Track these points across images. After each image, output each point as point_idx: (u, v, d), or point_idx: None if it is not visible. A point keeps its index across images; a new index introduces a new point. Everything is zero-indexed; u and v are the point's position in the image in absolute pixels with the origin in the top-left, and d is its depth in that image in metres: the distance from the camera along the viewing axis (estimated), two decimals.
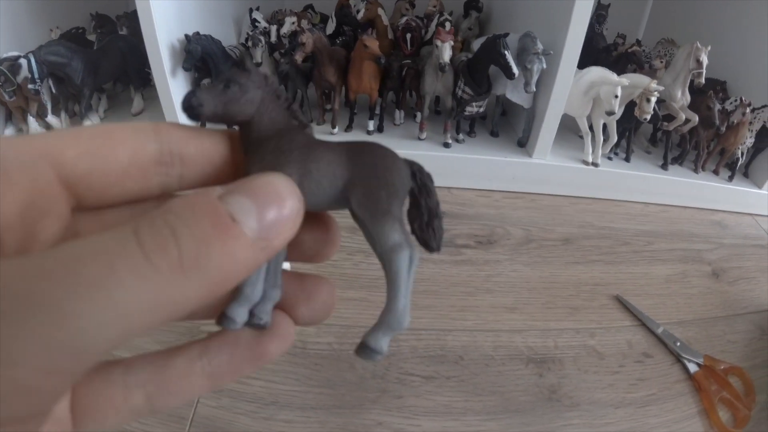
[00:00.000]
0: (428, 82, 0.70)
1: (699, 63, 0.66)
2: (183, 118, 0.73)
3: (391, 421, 0.44)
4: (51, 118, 0.72)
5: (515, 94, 0.68)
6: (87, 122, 0.73)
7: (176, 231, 0.11)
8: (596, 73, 0.67)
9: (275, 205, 0.13)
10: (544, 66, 0.63)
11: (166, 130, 0.16)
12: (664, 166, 0.71)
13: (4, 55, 0.67)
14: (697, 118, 0.67)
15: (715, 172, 0.72)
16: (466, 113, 0.69)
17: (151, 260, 0.11)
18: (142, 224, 0.11)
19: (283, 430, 0.42)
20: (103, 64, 0.74)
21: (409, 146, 0.71)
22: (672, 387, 0.49)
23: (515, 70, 0.63)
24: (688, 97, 0.67)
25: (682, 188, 0.69)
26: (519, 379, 0.48)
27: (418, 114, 0.76)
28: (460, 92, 0.68)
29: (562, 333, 0.53)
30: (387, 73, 0.72)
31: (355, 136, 0.74)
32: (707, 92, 0.67)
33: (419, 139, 0.73)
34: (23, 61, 0.66)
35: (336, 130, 0.74)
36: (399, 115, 0.78)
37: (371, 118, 0.74)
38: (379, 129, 0.75)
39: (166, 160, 0.16)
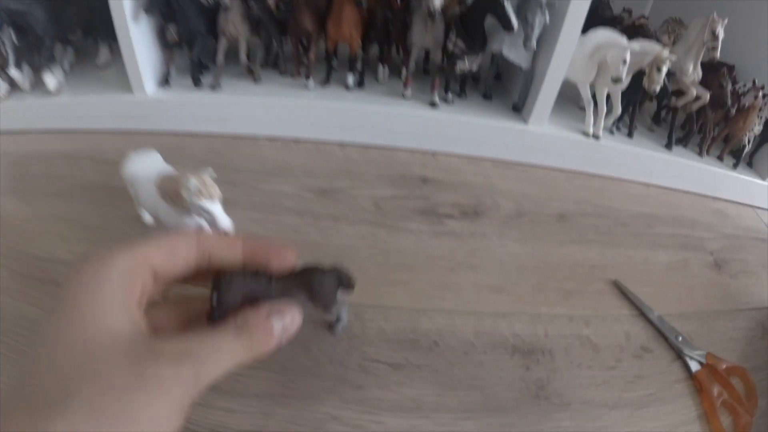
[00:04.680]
0: (416, 33, 0.60)
1: (714, 36, 0.59)
2: (145, 72, 0.62)
3: (348, 416, 0.36)
4: (13, 72, 0.62)
5: (513, 51, 0.60)
6: (48, 76, 0.63)
7: (252, 335, 0.27)
8: (603, 35, 0.59)
9: (290, 320, 0.30)
10: (547, 20, 0.55)
11: (204, 240, 0.30)
12: (668, 146, 0.64)
13: None
14: (708, 96, 0.61)
15: (719, 158, 0.66)
16: (458, 70, 0.60)
17: (243, 347, 0.26)
18: (242, 330, 0.27)
19: (221, 420, 0.34)
20: (66, 13, 0.64)
21: (392, 103, 0.62)
22: (672, 387, 0.43)
23: (514, 22, 0.54)
24: (700, 73, 0.61)
25: (685, 171, 0.63)
26: (502, 371, 0.40)
27: (404, 71, 0.67)
28: (451, 46, 0.59)
29: (553, 320, 0.45)
30: (371, 24, 0.63)
31: (333, 91, 0.65)
32: (720, 69, 0.61)
33: (403, 96, 0.64)
34: None
35: (310, 82, 0.64)
36: (383, 71, 0.68)
37: (350, 71, 0.64)
38: (359, 84, 0.66)
39: (203, 260, 0.30)
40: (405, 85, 0.63)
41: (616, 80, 0.58)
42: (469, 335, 0.42)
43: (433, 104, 0.62)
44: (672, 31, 0.72)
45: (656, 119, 0.71)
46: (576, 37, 0.56)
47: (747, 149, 0.65)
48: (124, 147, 0.46)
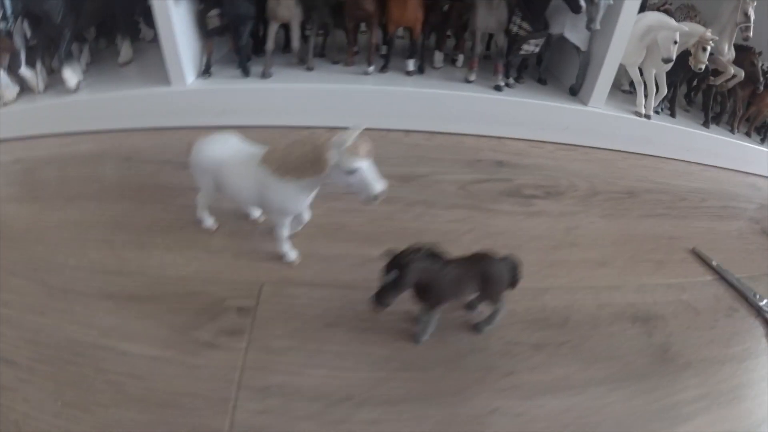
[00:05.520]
0: (480, 16, 0.60)
1: (746, 16, 0.64)
2: (185, 61, 0.57)
3: (507, 405, 0.35)
4: (24, 71, 0.56)
5: (574, 34, 0.62)
6: (67, 71, 0.57)
7: None
8: (654, 17, 0.62)
9: None
10: (612, 1, 0.57)
11: None
12: (705, 124, 0.69)
13: None
14: (743, 74, 0.66)
15: (747, 135, 0.72)
16: (522, 52, 0.61)
17: None
18: None
19: None
20: (87, 3, 0.59)
21: (455, 88, 0.62)
22: (760, 341, 0.46)
23: (582, 3, 0.56)
24: (733, 53, 0.66)
25: (722, 148, 0.68)
26: (630, 340, 0.42)
27: (460, 57, 0.67)
28: (515, 28, 0.60)
29: (656, 288, 0.47)
30: (431, 8, 0.62)
31: (392, 78, 0.63)
32: (750, 49, 0.66)
33: (467, 80, 0.64)
34: None
35: (372, 69, 0.62)
36: (438, 57, 0.68)
37: (411, 57, 0.63)
38: (420, 70, 0.65)
39: None
40: (470, 67, 0.63)
41: (667, 60, 0.61)
42: (592, 309, 0.43)
43: (497, 88, 0.62)
44: (693, 16, 0.77)
45: (687, 100, 0.76)
46: (633, 18, 0.59)
47: None
48: (161, 144, 0.42)
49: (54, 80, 0.59)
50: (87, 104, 0.58)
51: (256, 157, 0.38)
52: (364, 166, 0.33)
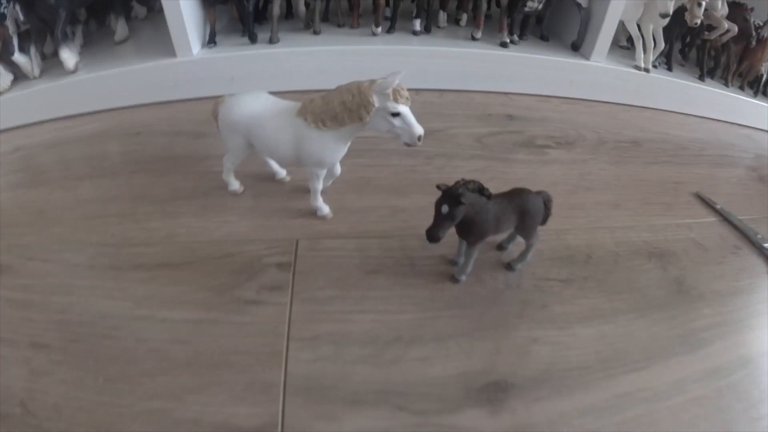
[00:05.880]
0: None
1: None
2: (192, 38, 0.56)
3: (546, 335, 0.36)
4: (18, 56, 0.53)
5: None
6: (65, 52, 0.54)
7: None
8: None
9: None
10: None
11: None
12: (701, 77, 0.71)
13: None
14: (736, 29, 0.68)
15: (741, 88, 0.74)
16: (527, 9, 0.61)
17: None
18: None
19: (420, 372, 0.32)
20: None
21: (462, 46, 0.62)
22: (765, 277, 0.49)
23: None
24: (726, 9, 0.68)
25: (717, 100, 0.70)
26: (648, 273, 0.44)
27: (463, 17, 0.66)
28: None
29: (666, 228, 0.49)
30: None
31: (399, 38, 0.63)
32: (743, 5, 0.68)
33: (473, 38, 0.64)
34: None
35: (379, 29, 0.62)
36: (442, 17, 0.68)
37: (418, 16, 0.63)
38: (427, 29, 0.65)
39: None
40: (477, 26, 0.63)
41: (664, 15, 0.63)
42: (611, 246, 0.45)
43: (503, 44, 0.63)
44: None
45: (681, 55, 0.78)
46: None
47: (764, 79, 0.73)
48: (169, 117, 0.40)
49: (49, 65, 0.56)
50: (88, 84, 0.56)
51: (292, 110, 0.38)
52: (406, 111, 0.34)
